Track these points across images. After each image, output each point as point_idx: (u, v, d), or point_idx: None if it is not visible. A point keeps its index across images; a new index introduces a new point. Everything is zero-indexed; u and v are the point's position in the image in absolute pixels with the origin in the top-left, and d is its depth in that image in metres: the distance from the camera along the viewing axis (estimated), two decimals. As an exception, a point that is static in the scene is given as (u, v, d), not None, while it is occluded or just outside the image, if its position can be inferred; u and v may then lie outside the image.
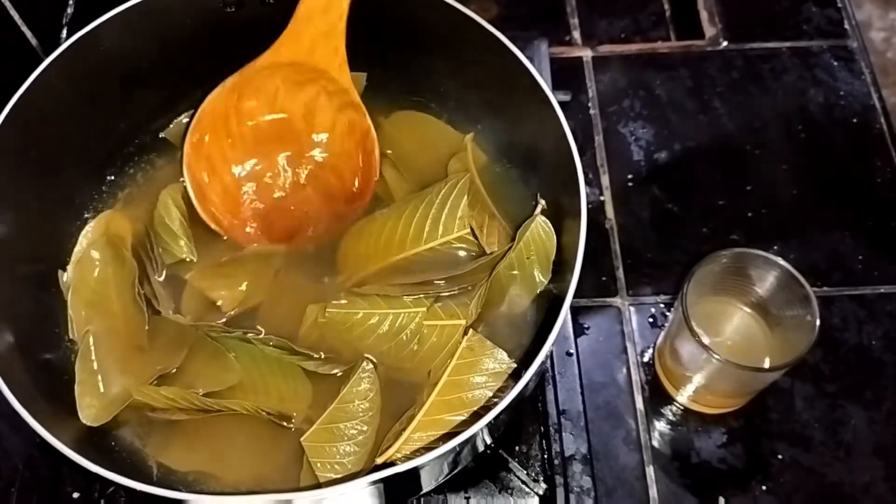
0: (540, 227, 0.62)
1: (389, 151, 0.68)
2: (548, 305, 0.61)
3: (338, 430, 0.57)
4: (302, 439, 0.57)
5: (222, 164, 0.66)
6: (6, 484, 0.66)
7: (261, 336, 0.60)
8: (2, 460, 0.67)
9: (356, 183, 0.67)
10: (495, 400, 0.56)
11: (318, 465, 0.56)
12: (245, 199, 0.67)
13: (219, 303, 0.62)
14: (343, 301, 0.61)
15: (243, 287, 0.63)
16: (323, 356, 0.60)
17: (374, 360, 0.60)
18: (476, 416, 0.56)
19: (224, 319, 0.62)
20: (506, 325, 0.62)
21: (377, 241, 0.63)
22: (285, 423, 0.59)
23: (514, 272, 0.63)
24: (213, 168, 0.66)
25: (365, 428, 0.58)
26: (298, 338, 0.61)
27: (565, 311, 0.53)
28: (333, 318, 0.61)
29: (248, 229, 0.66)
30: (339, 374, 0.60)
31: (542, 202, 0.63)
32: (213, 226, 0.65)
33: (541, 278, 0.62)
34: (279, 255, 0.65)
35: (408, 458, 0.55)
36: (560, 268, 0.61)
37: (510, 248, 0.62)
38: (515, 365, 0.58)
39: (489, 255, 0.62)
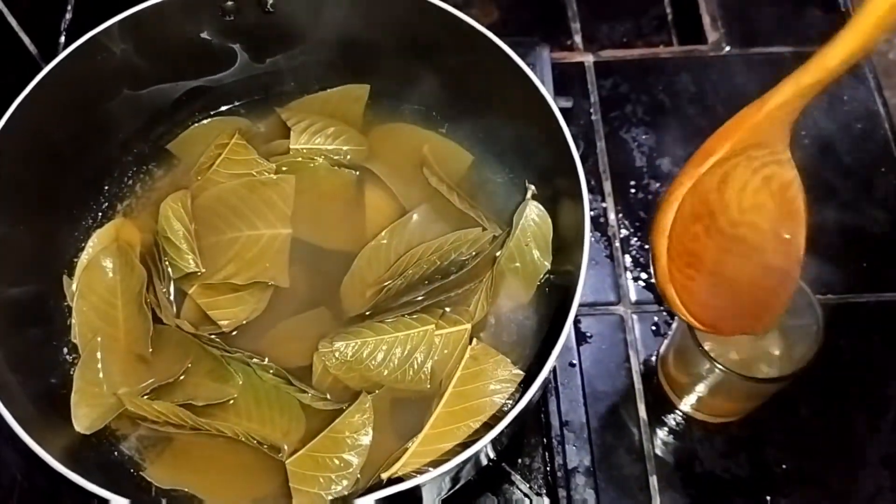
0: (533, 210, 0.63)
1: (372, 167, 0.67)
2: (552, 314, 0.61)
3: (322, 460, 0.56)
4: (287, 462, 0.56)
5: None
6: (4, 495, 0.65)
7: (262, 363, 0.59)
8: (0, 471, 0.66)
9: (784, 240, 0.56)
10: (501, 410, 0.56)
11: (299, 491, 0.55)
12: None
13: (220, 322, 0.62)
14: (350, 338, 0.59)
15: (244, 309, 0.62)
16: (328, 396, 0.59)
17: (384, 387, 0.59)
18: (482, 427, 0.55)
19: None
20: (509, 334, 0.62)
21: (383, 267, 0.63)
22: (275, 455, 0.57)
23: (516, 264, 0.63)
24: (683, 278, 0.56)
25: (351, 460, 0.56)
26: (313, 385, 0.59)
27: (571, 319, 0.52)
28: (344, 358, 0.59)
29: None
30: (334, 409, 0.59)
31: (532, 187, 0.64)
32: (688, 318, 0.56)
33: (543, 262, 0.62)
34: (284, 279, 0.64)
35: (410, 475, 0.54)
36: (563, 278, 0.60)
37: (508, 233, 0.62)
38: (522, 373, 0.58)
39: (488, 245, 0.63)
